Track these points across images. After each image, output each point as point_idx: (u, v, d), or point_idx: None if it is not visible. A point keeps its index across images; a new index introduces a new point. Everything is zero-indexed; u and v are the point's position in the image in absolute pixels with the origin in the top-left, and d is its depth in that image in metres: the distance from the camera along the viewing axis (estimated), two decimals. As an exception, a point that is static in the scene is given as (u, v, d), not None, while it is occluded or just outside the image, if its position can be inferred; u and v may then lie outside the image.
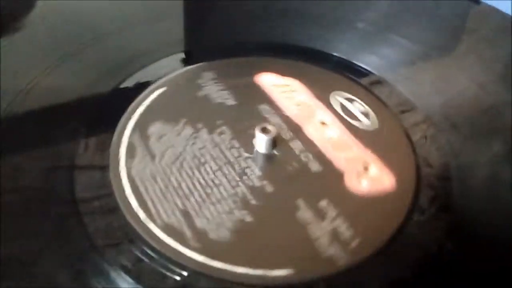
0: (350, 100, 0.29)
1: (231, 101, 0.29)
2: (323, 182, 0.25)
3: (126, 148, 0.25)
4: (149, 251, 0.21)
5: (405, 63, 0.32)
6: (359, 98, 0.29)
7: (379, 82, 0.30)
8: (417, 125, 0.28)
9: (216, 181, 0.24)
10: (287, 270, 0.21)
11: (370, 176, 0.25)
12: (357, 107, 0.29)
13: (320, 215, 0.23)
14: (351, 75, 0.31)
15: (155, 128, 0.27)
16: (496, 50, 0.32)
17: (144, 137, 0.26)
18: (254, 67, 0.31)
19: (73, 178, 0.24)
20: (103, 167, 0.24)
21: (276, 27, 0.34)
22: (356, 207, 0.24)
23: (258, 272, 0.21)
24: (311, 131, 0.27)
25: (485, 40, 0.33)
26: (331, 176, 0.25)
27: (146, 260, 0.21)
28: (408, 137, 0.27)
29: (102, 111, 0.27)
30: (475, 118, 0.28)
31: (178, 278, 0.20)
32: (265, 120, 0.27)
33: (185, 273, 0.21)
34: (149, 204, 0.23)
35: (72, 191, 0.23)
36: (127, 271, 0.21)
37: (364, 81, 0.30)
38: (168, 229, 0.22)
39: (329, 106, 0.29)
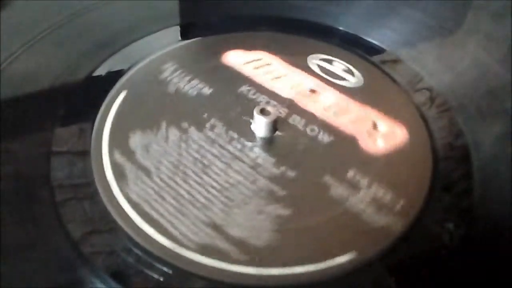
0: (329, 61, 0.27)
1: (206, 90, 0.25)
2: (340, 151, 0.23)
3: (112, 171, 0.21)
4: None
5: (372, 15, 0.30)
6: (337, 57, 0.27)
7: (346, 36, 0.29)
8: (408, 78, 0.27)
9: (231, 181, 0.21)
10: (348, 254, 0.19)
11: (381, 132, 0.24)
12: (338, 66, 0.27)
13: (354, 186, 0.21)
14: (321, 36, 0.29)
15: (136, 140, 0.23)
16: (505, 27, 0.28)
17: (128, 154, 0.22)
18: (216, 48, 0.27)
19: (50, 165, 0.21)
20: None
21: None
22: (383, 167, 0.22)
23: (320, 265, 0.19)
24: (305, 102, 0.25)
25: (493, 17, 0.30)
26: (345, 143, 0.23)
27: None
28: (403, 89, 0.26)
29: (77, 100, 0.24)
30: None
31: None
32: (253, 102, 0.25)
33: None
34: (169, 227, 0.19)
35: (48, 177, 0.21)
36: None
37: (335, 39, 0.29)
38: (205, 250, 0.19)
39: (310, 71, 0.27)
